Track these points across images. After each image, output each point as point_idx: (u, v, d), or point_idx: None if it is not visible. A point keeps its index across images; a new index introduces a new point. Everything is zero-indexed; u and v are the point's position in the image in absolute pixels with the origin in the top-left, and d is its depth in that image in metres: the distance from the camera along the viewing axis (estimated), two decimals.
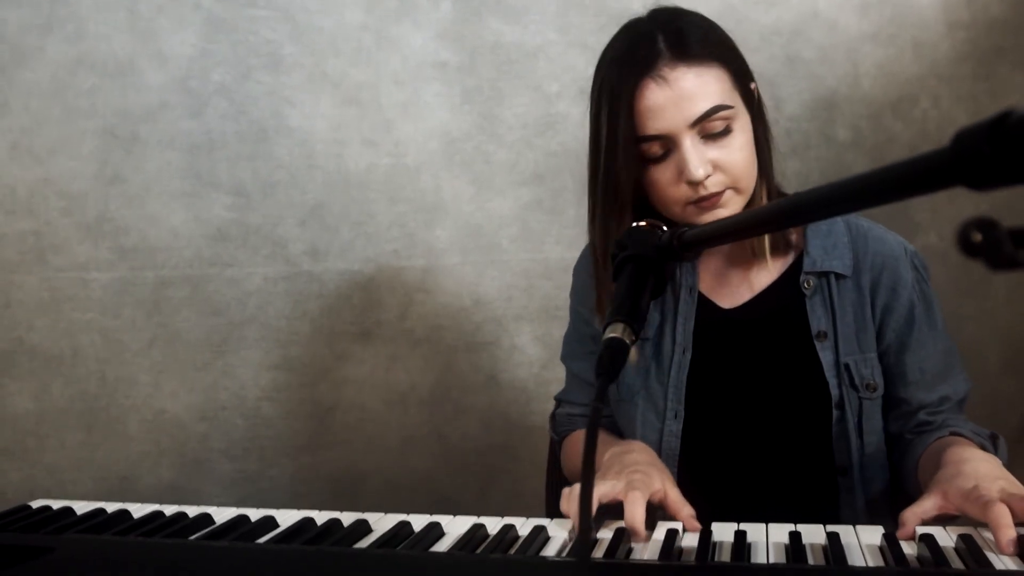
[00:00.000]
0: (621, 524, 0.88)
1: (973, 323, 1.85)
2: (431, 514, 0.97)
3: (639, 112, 0.98)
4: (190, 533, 0.95)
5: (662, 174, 1.00)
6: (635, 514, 0.84)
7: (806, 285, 1.06)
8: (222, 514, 1.02)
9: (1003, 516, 0.77)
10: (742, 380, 1.08)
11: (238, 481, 1.85)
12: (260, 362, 1.84)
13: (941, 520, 0.86)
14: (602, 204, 1.04)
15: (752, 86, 1.05)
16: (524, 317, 1.86)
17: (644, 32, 1.00)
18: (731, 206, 1.02)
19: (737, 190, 1.01)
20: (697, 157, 0.97)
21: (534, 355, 1.86)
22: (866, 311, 1.05)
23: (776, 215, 0.54)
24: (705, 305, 1.11)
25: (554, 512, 1.11)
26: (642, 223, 0.74)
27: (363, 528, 0.93)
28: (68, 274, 1.78)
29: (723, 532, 0.85)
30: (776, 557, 0.78)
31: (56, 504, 1.08)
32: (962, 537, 0.78)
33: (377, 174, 1.83)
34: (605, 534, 0.87)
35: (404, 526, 0.93)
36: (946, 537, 0.81)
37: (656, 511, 0.92)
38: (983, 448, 0.99)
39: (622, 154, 0.99)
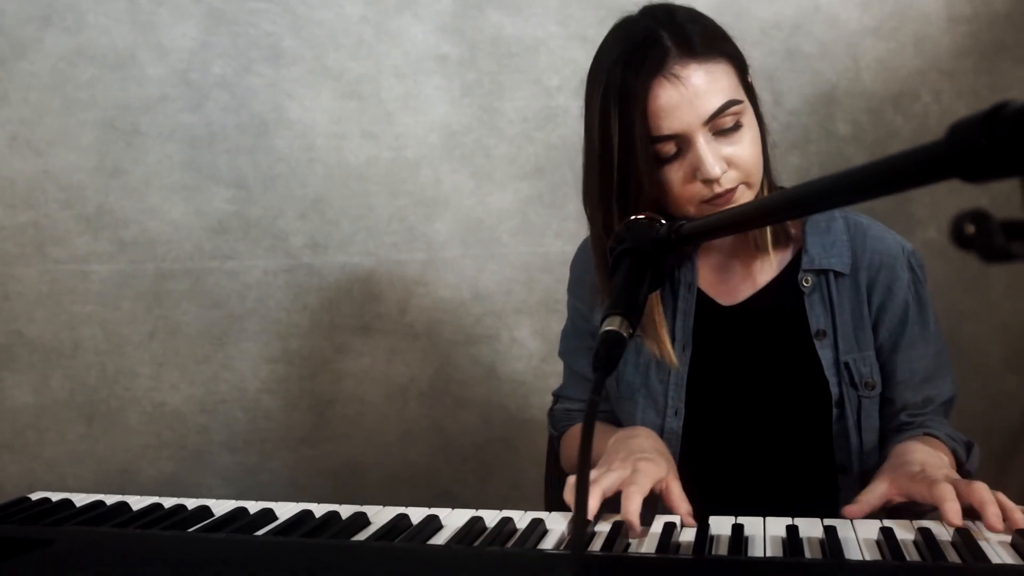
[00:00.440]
0: (618, 518, 0.88)
1: (973, 319, 1.85)
2: (430, 506, 0.97)
3: (652, 112, 0.96)
4: (189, 525, 0.95)
5: (675, 173, 0.99)
6: (630, 508, 0.84)
7: (804, 283, 1.06)
8: (221, 506, 1.02)
9: (948, 492, 0.80)
10: (742, 377, 1.08)
11: (238, 473, 1.85)
12: (260, 355, 1.84)
13: (887, 509, 0.89)
14: (620, 208, 1.00)
15: (749, 79, 1.04)
16: (524, 311, 1.86)
17: (647, 30, 0.98)
18: (743, 201, 1.00)
19: (748, 185, 1.00)
20: (712, 155, 0.96)
21: (533, 348, 1.87)
22: (863, 309, 1.05)
23: (772, 208, 0.54)
24: (704, 302, 1.11)
25: (552, 505, 1.11)
26: (640, 216, 0.74)
27: (361, 521, 0.94)
28: (68, 266, 1.78)
29: (720, 525, 0.85)
30: (773, 551, 0.78)
31: (55, 496, 1.08)
32: (959, 531, 0.78)
33: (377, 167, 1.83)
34: (603, 527, 0.87)
35: (402, 519, 0.93)
36: (943, 531, 0.81)
37: (658, 501, 0.92)
38: (954, 452, 1.01)
39: (641, 156, 0.96)
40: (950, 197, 1.80)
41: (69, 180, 1.77)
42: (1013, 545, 0.76)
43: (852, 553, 0.77)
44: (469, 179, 1.84)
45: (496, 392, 1.88)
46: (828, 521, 0.84)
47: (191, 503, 1.04)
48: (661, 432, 1.09)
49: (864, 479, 1.02)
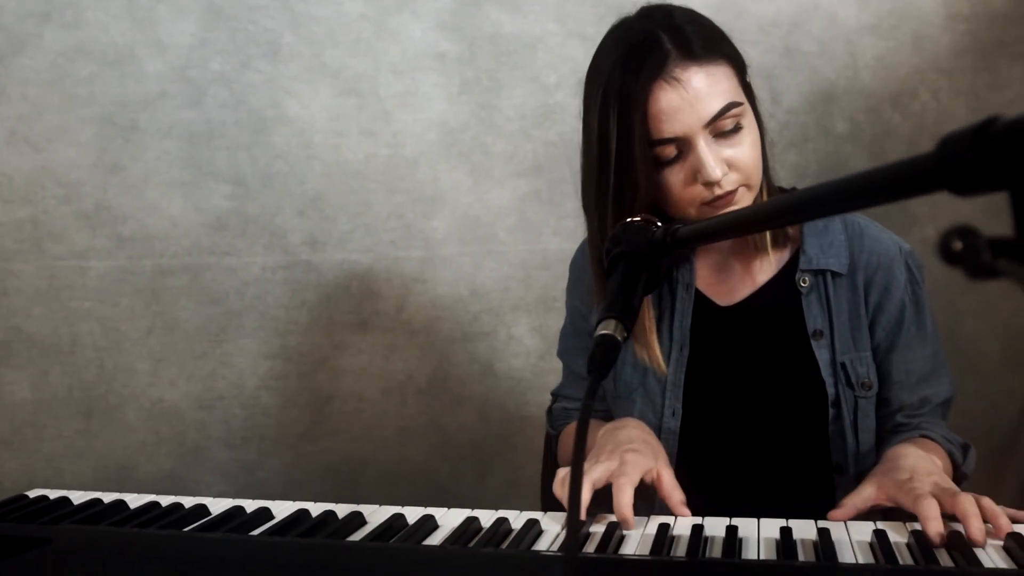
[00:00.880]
0: (614, 518, 0.89)
1: (972, 317, 1.86)
2: (428, 503, 0.98)
3: (653, 115, 0.95)
4: (186, 524, 0.95)
5: (675, 176, 0.99)
6: (622, 502, 0.85)
7: (802, 283, 1.07)
8: (218, 505, 1.02)
9: (931, 509, 0.80)
10: (739, 377, 1.08)
11: (236, 470, 1.86)
12: (258, 351, 1.84)
13: (876, 511, 0.89)
14: (616, 210, 1.00)
15: (748, 79, 1.04)
16: (521, 308, 1.87)
17: (645, 32, 0.97)
18: (743, 203, 1.01)
19: (749, 187, 1.00)
20: (713, 157, 0.96)
21: (531, 346, 1.87)
22: (861, 309, 1.06)
23: (766, 215, 0.55)
24: (702, 302, 1.11)
25: (548, 503, 1.12)
26: (636, 218, 0.74)
27: (358, 520, 0.94)
28: (66, 262, 1.78)
29: (715, 527, 0.85)
30: (767, 553, 0.79)
31: (53, 494, 1.09)
32: (951, 534, 0.78)
33: (375, 165, 1.83)
34: (598, 528, 0.88)
35: (398, 518, 0.94)
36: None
37: (654, 495, 0.93)
38: (950, 454, 1.01)
39: (639, 159, 0.96)
40: (949, 196, 1.80)
41: (68, 176, 1.77)
42: (1005, 548, 0.77)
43: (845, 555, 0.77)
44: (467, 176, 1.84)
45: (493, 389, 1.88)
46: (822, 523, 0.84)
47: (188, 501, 1.04)
48: (659, 432, 1.09)
49: (860, 479, 1.02)
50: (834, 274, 1.06)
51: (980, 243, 0.29)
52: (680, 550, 0.80)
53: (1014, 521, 0.80)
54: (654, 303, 1.12)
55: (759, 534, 0.83)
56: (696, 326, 1.10)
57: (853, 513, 0.88)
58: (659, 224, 0.73)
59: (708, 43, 0.97)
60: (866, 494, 0.90)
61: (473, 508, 0.96)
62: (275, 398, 1.86)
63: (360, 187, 1.83)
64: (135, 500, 1.06)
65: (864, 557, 0.77)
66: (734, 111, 0.96)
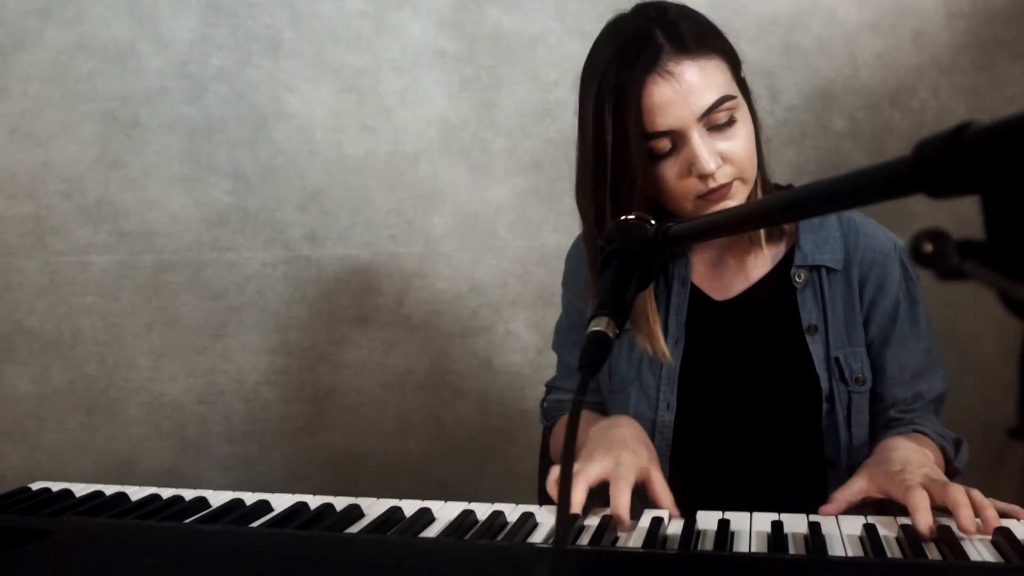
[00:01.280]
0: (607, 512, 0.90)
1: (968, 312, 1.86)
2: (427, 495, 0.99)
3: (647, 109, 0.96)
4: (186, 516, 0.97)
5: (670, 169, 1.00)
6: (620, 502, 0.86)
7: (797, 278, 1.07)
8: (218, 498, 1.04)
9: (921, 500, 0.81)
10: (734, 372, 1.09)
11: (237, 464, 1.87)
12: (259, 346, 1.86)
13: (868, 504, 0.90)
14: (613, 204, 1.01)
15: (742, 74, 1.05)
16: (520, 303, 1.88)
17: (640, 28, 0.99)
18: (738, 196, 1.02)
19: (743, 180, 1.01)
20: (707, 150, 0.97)
21: (529, 341, 1.88)
22: (855, 305, 1.06)
23: (753, 215, 0.56)
24: (698, 297, 1.12)
25: (545, 496, 1.13)
26: (630, 216, 0.75)
27: (355, 513, 0.95)
28: (68, 258, 1.80)
29: (707, 520, 0.86)
30: (759, 546, 0.80)
31: (55, 486, 1.10)
32: (940, 528, 0.79)
33: (376, 161, 1.84)
34: (592, 521, 0.89)
35: (395, 511, 0.95)
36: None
37: (644, 492, 0.94)
38: (942, 449, 1.02)
39: (635, 153, 0.97)
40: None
41: (69, 172, 1.78)
42: (993, 543, 0.78)
43: (835, 549, 0.78)
44: (466, 173, 1.85)
45: (492, 383, 1.89)
46: (813, 517, 0.85)
47: (188, 494, 1.05)
48: (653, 425, 1.10)
49: (852, 473, 1.03)
50: (829, 270, 1.07)
51: (949, 246, 0.30)
52: (673, 543, 0.81)
53: (1003, 515, 0.82)
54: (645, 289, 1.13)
55: (751, 528, 0.84)
56: (692, 320, 1.11)
57: (844, 507, 0.90)
58: (652, 222, 0.74)
59: (701, 38, 0.98)
60: (857, 487, 0.91)
61: (471, 501, 0.97)
62: (275, 392, 1.87)
63: (360, 183, 1.84)
64: (136, 492, 1.07)
65: (854, 550, 0.78)
66: (727, 104, 0.97)
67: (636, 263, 0.71)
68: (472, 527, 0.89)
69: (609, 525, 0.85)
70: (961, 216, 1.61)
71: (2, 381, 1.82)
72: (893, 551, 0.78)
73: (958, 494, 0.81)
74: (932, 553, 0.77)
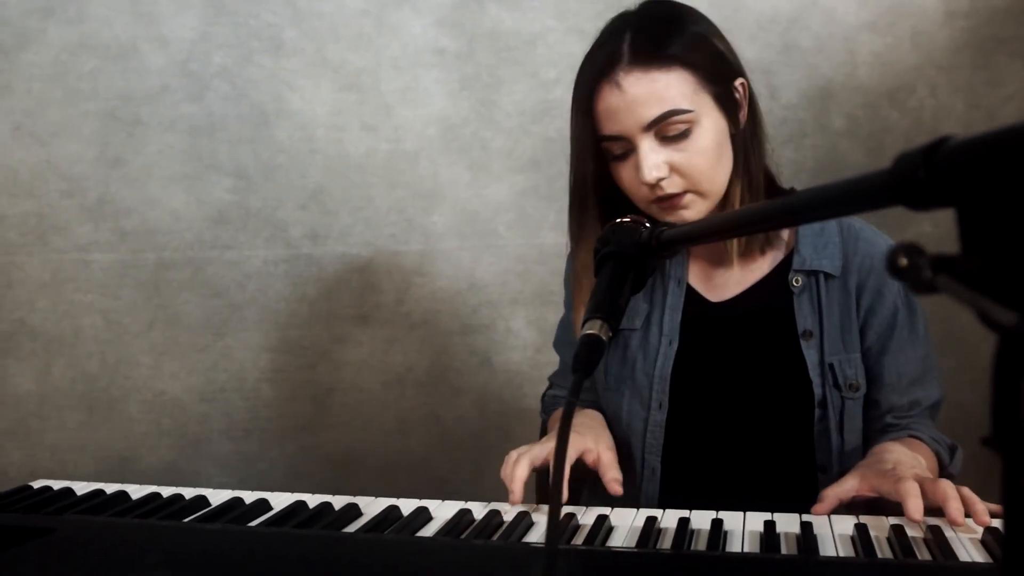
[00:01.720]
0: (603, 511, 0.91)
1: (966, 315, 1.85)
2: (427, 493, 1.00)
3: (598, 113, 1.01)
4: (186, 515, 0.98)
5: (625, 172, 1.03)
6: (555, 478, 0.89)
7: (794, 283, 1.08)
8: (217, 496, 1.05)
9: (912, 488, 0.82)
10: (727, 374, 1.09)
11: (237, 462, 1.88)
12: (259, 344, 1.87)
13: (859, 504, 0.91)
14: (570, 198, 1.08)
15: (738, 83, 1.05)
16: (519, 301, 1.88)
17: (616, 32, 1.01)
18: (695, 208, 1.03)
19: (698, 193, 1.02)
20: (650, 160, 0.99)
21: (528, 339, 1.89)
22: (852, 312, 1.06)
23: (743, 222, 0.56)
24: (693, 297, 1.13)
25: (543, 494, 1.14)
26: (626, 219, 0.75)
27: (353, 512, 0.96)
28: (69, 255, 1.81)
29: (701, 520, 0.87)
30: (751, 546, 0.81)
31: (56, 484, 1.11)
32: (930, 528, 0.80)
33: (376, 159, 1.85)
34: (587, 520, 0.90)
35: (393, 510, 0.96)
36: (915, 528, 0.83)
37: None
38: (937, 454, 1.03)
39: (585, 151, 1.03)
40: None
41: (71, 170, 1.79)
42: (983, 543, 0.79)
43: (827, 549, 0.79)
44: (466, 171, 1.85)
45: (492, 381, 1.90)
46: (806, 517, 0.86)
47: (189, 492, 1.06)
48: (646, 424, 1.11)
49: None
50: (827, 275, 1.07)
51: (923, 261, 0.31)
52: (666, 542, 0.82)
53: (995, 517, 0.82)
54: (645, 296, 1.14)
55: (744, 527, 0.85)
56: (686, 321, 1.12)
57: (835, 504, 0.90)
58: (647, 225, 0.75)
59: (666, 49, 0.98)
60: (848, 484, 0.91)
61: (471, 498, 0.99)
62: (276, 390, 1.88)
63: (361, 181, 1.85)
64: (137, 491, 1.08)
65: (845, 550, 0.79)
66: (677, 118, 0.98)
67: (630, 266, 0.72)
68: (469, 526, 0.90)
69: (604, 524, 0.86)
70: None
71: (4, 379, 1.83)
72: (884, 551, 0.78)
73: (948, 488, 0.82)
74: (922, 553, 0.77)
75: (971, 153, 0.34)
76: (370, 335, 1.89)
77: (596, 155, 1.04)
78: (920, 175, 0.35)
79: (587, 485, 0.94)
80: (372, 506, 0.98)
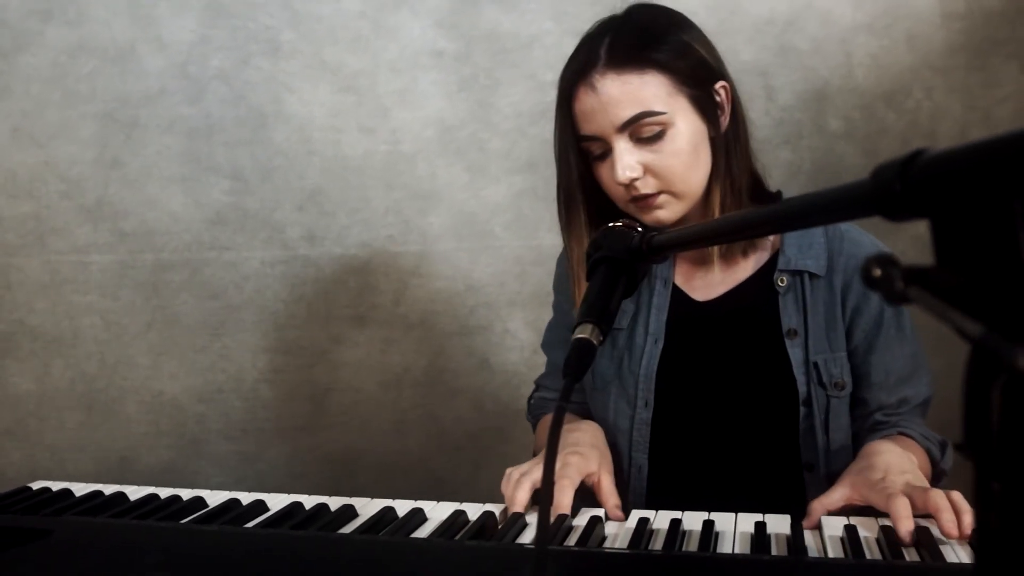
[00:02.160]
0: (595, 512, 0.92)
1: None
2: (424, 493, 1.01)
3: (576, 114, 1.05)
4: (184, 516, 0.99)
5: (604, 172, 1.06)
6: (562, 502, 0.91)
7: (780, 283, 1.09)
8: (215, 497, 1.05)
9: (903, 508, 0.82)
10: (712, 373, 1.10)
11: (235, 462, 1.89)
12: (257, 345, 1.88)
13: (849, 510, 0.91)
14: (558, 197, 1.12)
15: (719, 86, 1.06)
16: (516, 303, 1.89)
17: (597, 36, 1.05)
18: (669, 208, 1.05)
19: (672, 194, 1.04)
20: (624, 160, 1.01)
21: (526, 340, 1.90)
22: (837, 311, 1.07)
23: (729, 229, 0.57)
24: (679, 297, 1.14)
25: (538, 495, 1.15)
26: (618, 223, 0.76)
27: (349, 513, 0.97)
28: (68, 257, 1.82)
29: (692, 521, 0.88)
30: (742, 547, 0.81)
31: (55, 486, 1.12)
32: (919, 530, 0.81)
33: (374, 161, 1.85)
34: (580, 521, 0.91)
35: (389, 511, 0.97)
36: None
37: (591, 494, 0.97)
38: (928, 451, 1.03)
39: (568, 151, 1.07)
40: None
41: (69, 172, 1.80)
42: (971, 544, 0.79)
43: (816, 550, 0.80)
44: (464, 173, 1.86)
45: (489, 382, 1.91)
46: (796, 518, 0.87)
47: (186, 494, 1.07)
48: (632, 422, 1.12)
49: (831, 478, 1.05)
50: (811, 275, 1.08)
51: (895, 272, 0.32)
52: (658, 544, 0.83)
53: None
54: (632, 296, 1.15)
55: (735, 528, 0.86)
56: (672, 320, 1.13)
57: (824, 513, 0.90)
58: (639, 229, 0.75)
59: (642, 52, 1.01)
60: (838, 495, 0.91)
61: (468, 498, 1.00)
62: (274, 391, 1.89)
63: (358, 183, 1.85)
64: (135, 492, 1.09)
65: (834, 551, 0.80)
66: (651, 120, 1.00)
67: (622, 270, 0.73)
68: (464, 527, 0.91)
69: (596, 526, 0.87)
70: None
71: (3, 379, 1.84)
72: (873, 552, 0.79)
73: (939, 499, 0.82)
74: (911, 555, 0.78)
75: (945, 166, 0.34)
76: (367, 336, 1.90)
77: (579, 155, 1.07)
78: (896, 187, 0.36)
79: (581, 501, 0.94)
80: (368, 507, 0.99)
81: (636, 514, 0.91)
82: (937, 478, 1.07)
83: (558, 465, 0.95)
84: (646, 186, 1.03)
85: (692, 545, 0.82)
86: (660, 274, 1.15)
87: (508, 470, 1.00)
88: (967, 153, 0.33)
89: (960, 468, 1.11)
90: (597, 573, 0.77)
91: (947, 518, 0.80)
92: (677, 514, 0.89)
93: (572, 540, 0.85)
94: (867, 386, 1.08)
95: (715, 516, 0.88)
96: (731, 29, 1.83)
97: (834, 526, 0.86)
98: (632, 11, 1.07)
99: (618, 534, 0.87)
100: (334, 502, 1.01)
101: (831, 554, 0.79)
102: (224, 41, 1.80)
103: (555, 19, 1.82)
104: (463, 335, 1.90)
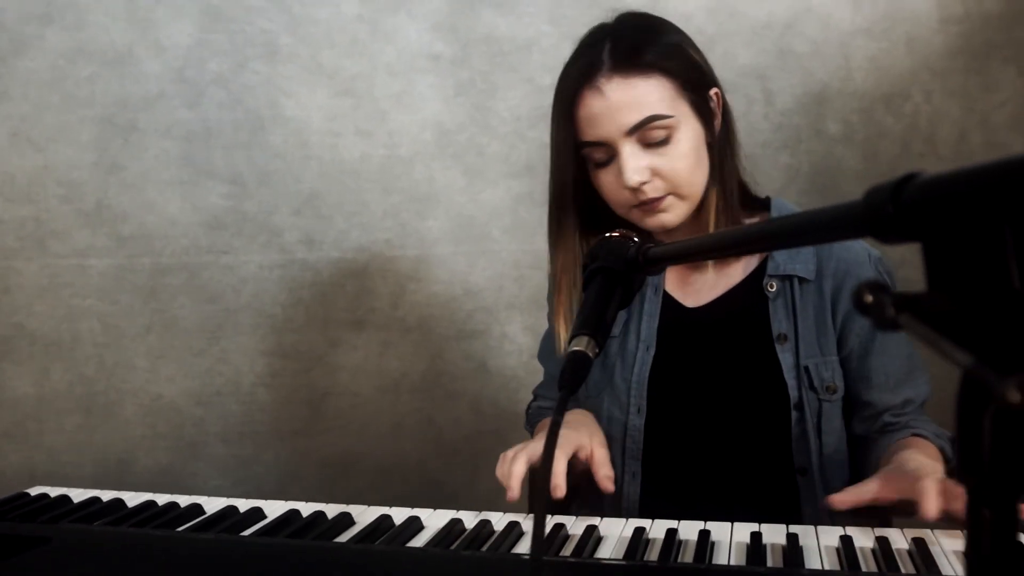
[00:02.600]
0: (592, 521, 0.92)
1: None
2: (421, 497, 1.01)
3: (580, 119, 1.03)
4: (181, 523, 0.99)
5: (606, 178, 1.05)
6: (556, 470, 0.92)
7: (769, 288, 1.09)
8: (212, 504, 1.06)
9: (931, 488, 0.80)
10: (703, 379, 1.11)
11: (233, 465, 1.89)
12: (255, 348, 1.88)
13: (876, 512, 0.90)
14: (550, 204, 1.10)
15: (712, 92, 1.07)
16: (514, 307, 1.89)
17: (595, 41, 1.05)
18: (674, 211, 1.06)
19: (679, 196, 1.05)
20: (633, 164, 1.01)
21: (523, 344, 1.90)
22: (827, 315, 1.08)
23: (724, 244, 0.57)
24: (670, 304, 1.15)
25: (536, 503, 1.15)
26: (615, 233, 0.76)
27: (346, 521, 0.97)
28: (67, 260, 1.82)
29: (688, 530, 0.88)
30: (738, 557, 0.81)
31: (53, 492, 1.12)
32: (914, 540, 0.81)
33: (371, 164, 1.85)
34: (576, 530, 0.90)
35: (385, 519, 0.97)
36: (900, 539, 0.84)
37: (588, 489, 0.97)
38: (942, 449, 1.03)
39: (566, 158, 1.05)
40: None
41: (68, 175, 1.80)
42: (966, 556, 0.79)
43: (812, 560, 0.80)
44: (461, 177, 1.86)
45: (487, 386, 1.91)
46: (792, 528, 0.87)
47: (184, 500, 1.07)
48: (624, 428, 1.13)
49: (824, 482, 1.05)
50: (801, 280, 1.09)
51: (886, 299, 0.32)
52: (653, 554, 0.83)
53: None
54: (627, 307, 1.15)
55: (731, 538, 0.86)
56: (663, 327, 1.14)
57: (853, 500, 0.88)
58: (635, 239, 0.75)
59: (648, 56, 1.01)
60: (870, 486, 0.90)
61: (465, 502, 1.00)
62: (271, 394, 1.89)
63: (356, 186, 1.85)
64: (133, 499, 1.09)
65: (830, 562, 0.80)
66: (658, 123, 1.01)
67: (618, 281, 0.73)
68: (460, 536, 0.91)
69: (593, 535, 0.87)
70: None
71: (3, 382, 1.83)
72: (868, 562, 0.79)
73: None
74: (906, 566, 0.78)
75: (937, 191, 0.34)
76: (365, 340, 1.90)
77: (577, 162, 1.06)
78: (888, 209, 0.36)
79: (577, 496, 0.94)
80: (365, 515, 0.99)
81: (632, 523, 0.91)
82: (950, 473, 1.06)
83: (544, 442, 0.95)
84: (654, 189, 1.03)
85: (688, 556, 0.82)
86: (651, 281, 1.15)
87: (502, 454, 1.00)
88: (959, 178, 0.33)
89: None
90: None
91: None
92: (673, 523, 0.90)
93: (568, 550, 0.85)
94: (868, 388, 1.08)
95: (711, 525, 0.88)
96: (730, 32, 1.83)
97: (830, 536, 0.86)
98: (625, 18, 1.07)
99: (614, 543, 0.87)
100: (331, 509, 1.00)
101: (827, 565, 0.79)
102: (222, 45, 1.80)
103: (552, 22, 1.82)
104: (461, 339, 1.90)
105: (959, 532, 0.82)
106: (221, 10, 1.79)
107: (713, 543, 0.84)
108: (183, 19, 1.79)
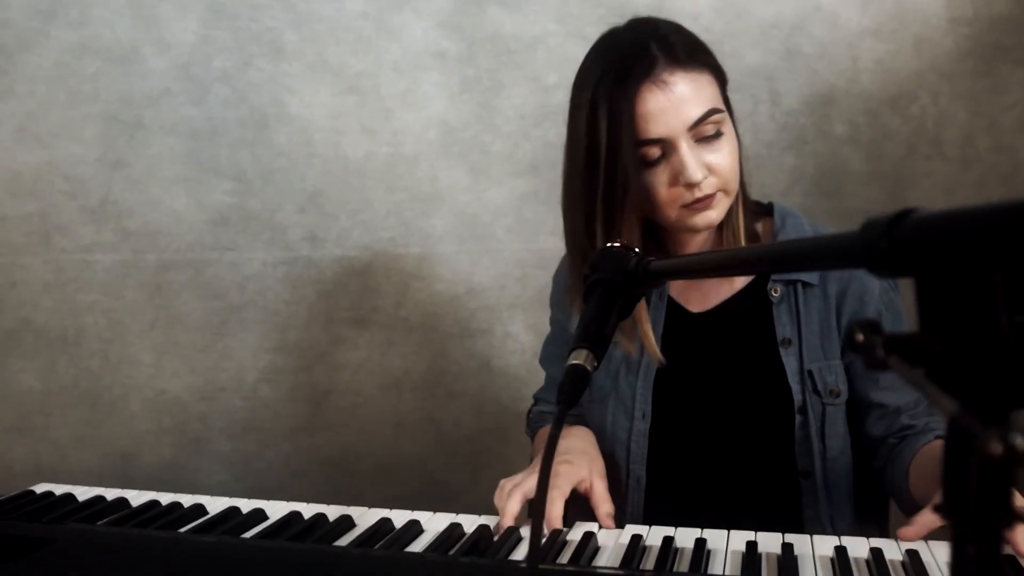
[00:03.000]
0: (589, 528, 0.92)
1: None
2: (423, 496, 1.02)
3: (640, 116, 1.00)
4: (184, 523, 0.99)
5: (659, 177, 1.03)
6: (552, 513, 0.92)
7: (773, 292, 1.09)
8: (215, 504, 1.06)
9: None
10: (708, 383, 1.11)
11: (236, 461, 1.90)
12: (258, 345, 1.88)
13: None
14: (604, 213, 1.04)
15: (727, 94, 1.08)
16: (518, 306, 1.89)
17: (634, 41, 1.02)
18: (720, 207, 1.05)
19: (726, 192, 1.05)
20: (695, 160, 1.00)
21: (527, 343, 1.90)
22: (831, 319, 1.08)
23: (723, 264, 0.58)
24: (675, 309, 1.15)
25: (535, 507, 1.16)
26: (615, 244, 0.76)
27: (346, 523, 0.98)
28: (72, 256, 1.82)
29: (685, 538, 0.88)
30: (733, 566, 0.82)
31: (58, 490, 1.13)
32: (908, 552, 0.81)
33: (375, 162, 1.85)
34: (573, 537, 0.91)
35: (385, 523, 0.97)
36: (894, 551, 0.84)
37: (585, 501, 0.98)
38: None
39: (627, 158, 1.00)
40: (945, 197, 1.81)
41: (73, 172, 1.81)
42: None
43: (807, 570, 0.80)
44: (466, 175, 1.86)
45: (489, 385, 1.91)
46: (788, 537, 0.87)
47: (187, 500, 1.08)
48: (629, 434, 1.13)
49: (827, 485, 1.05)
50: (805, 284, 1.09)
51: (876, 340, 0.32)
52: (650, 562, 0.84)
53: None
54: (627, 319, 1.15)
55: (727, 546, 0.86)
56: (668, 332, 1.14)
57: (925, 531, 0.86)
58: (636, 251, 0.75)
59: (691, 52, 1.02)
60: (931, 516, 0.86)
61: (467, 501, 1.01)
62: (274, 391, 1.90)
63: (360, 184, 1.86)
64: (136, 497, 1.10)
65: (824, 572, 0.80)
66: (715, 117, 1.01)
67: (618, 293, 0.73)
68: (458, 541, 0.92)
69: (590, 543, 0.87)
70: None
71: (9, 376, 1.85)
72: (862, 574, 0.80)
73: None
74: None
75: (931, 230, 0.35)
76: (368, 338, 1.91)
77: (636, 160, 1.01)
78: (883, 244, 0.36)
79: (574, 505, 0.95)
80: (365, 517, 1.00)
81: (629, 530, 0.91)
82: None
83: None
84: (708, 186, 1.02)
85: (684, 564, 0.83)
86: (655, 289, 1.15)
87: (501, 481, 1.01)
88: (953, 219, 0.34)
89: None
90: None
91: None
92: (670, 531, 0.90)
93: (565, 557, 0.85)
94: (876, 389, 1.07)
95: (708, 534, 0.89)
96: (737, 32, 1.83)
97: (825, 546, 0.86)
98: (647, 21, 1.06)
99: (611, 551, 0.87)
100: (332, 511, 1.01)
101: (821, 575, 0.79)
102: (227, 42, 1.80)
103: (559, 21, 1.82)
104: (464, 338, 1.91)
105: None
106: (226, 7, 1.79)
107: (709, 551, 0.85)
108: (188, 16, 1.79)
